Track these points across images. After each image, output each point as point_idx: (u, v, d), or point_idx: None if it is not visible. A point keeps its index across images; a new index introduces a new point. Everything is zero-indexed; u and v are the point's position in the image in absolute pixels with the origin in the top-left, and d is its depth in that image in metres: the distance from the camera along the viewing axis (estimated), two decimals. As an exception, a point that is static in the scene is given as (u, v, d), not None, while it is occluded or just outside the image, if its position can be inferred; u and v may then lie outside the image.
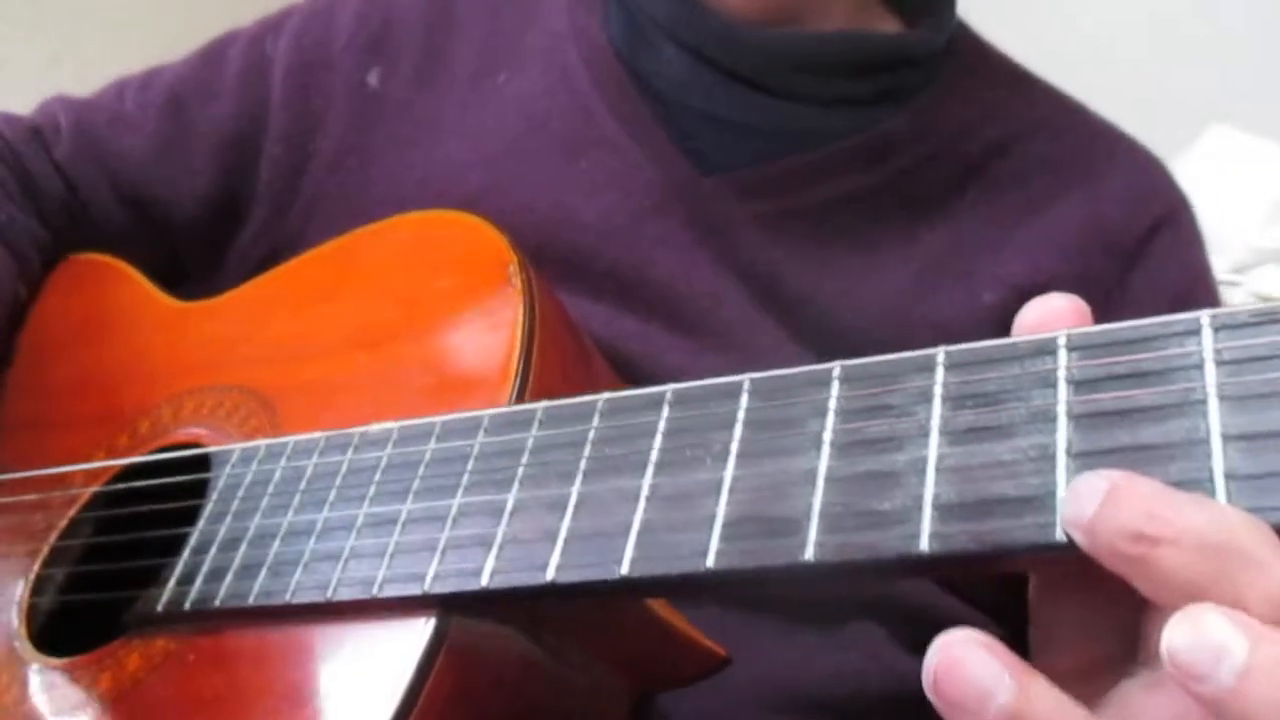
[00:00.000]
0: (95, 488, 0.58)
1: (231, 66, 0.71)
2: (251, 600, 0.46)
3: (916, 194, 0.60)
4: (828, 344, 0.59)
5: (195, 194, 0.71)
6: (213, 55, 0.73)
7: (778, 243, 0.59)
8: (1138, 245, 0.60)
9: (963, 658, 0.27)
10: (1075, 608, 0.33)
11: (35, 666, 0.51)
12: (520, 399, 0.47)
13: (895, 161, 0.61)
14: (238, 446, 0.52)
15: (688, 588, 0.37)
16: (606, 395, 0.42)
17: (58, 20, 1.77)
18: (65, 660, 0.51)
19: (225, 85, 0.71)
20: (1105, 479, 0.28)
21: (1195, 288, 0.63)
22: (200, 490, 0.52)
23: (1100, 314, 0.61)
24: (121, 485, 0.57)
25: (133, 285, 0.70)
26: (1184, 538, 0.26)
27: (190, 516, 0.51)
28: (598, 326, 0.59)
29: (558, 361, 0.50)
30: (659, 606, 0.46)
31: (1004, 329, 0.60)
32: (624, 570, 0.37)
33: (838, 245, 0.60)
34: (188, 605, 0.48)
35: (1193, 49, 1.86)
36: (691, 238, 0.60)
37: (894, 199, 0.60)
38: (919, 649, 0.31)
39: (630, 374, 0.59)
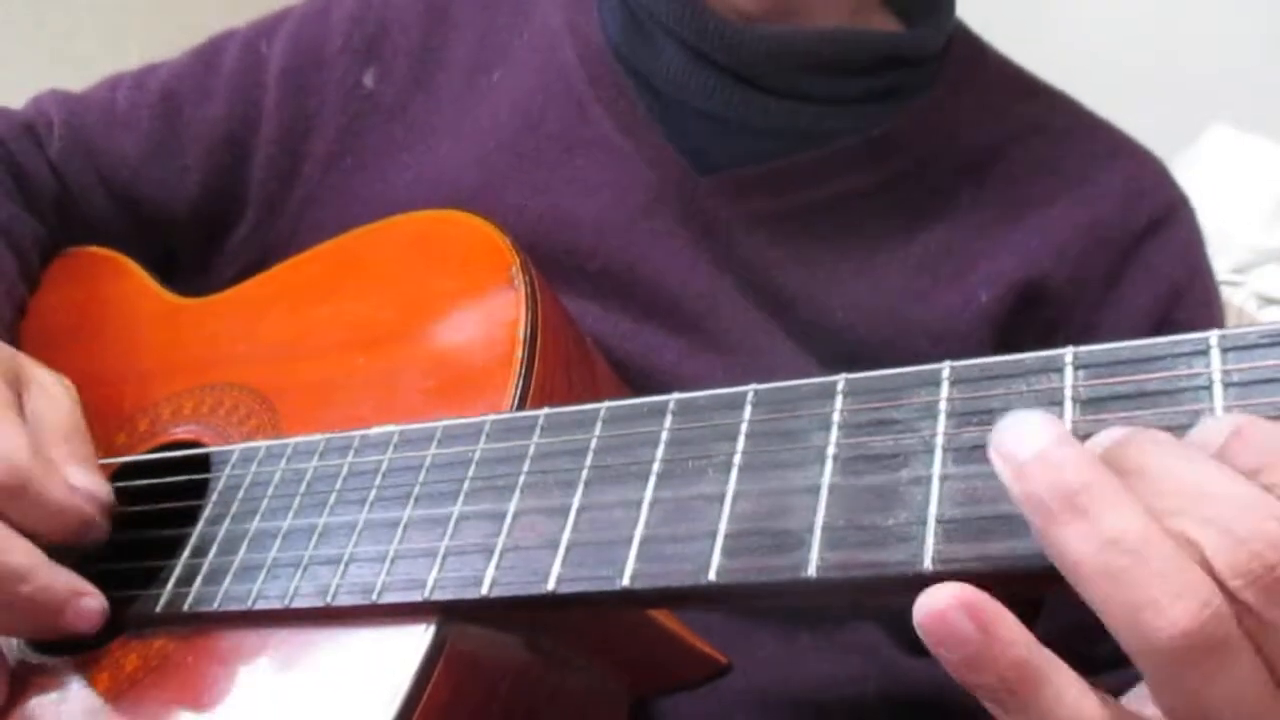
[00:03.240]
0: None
1: (226, 67, 0.71)
2: (250, 604, 0.45)
3: (914, 195, 0.60)
4: (823, 343, 0.59)
5: (187, 193, 0.70)
6: (207, 55, 0.72)
7: (774, 242, 0.59)
8: (1134, 242, 0.60)
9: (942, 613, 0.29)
10: None
11: (32, 665, 0.51)
12: (522, 402, 0.47)
13: (893, 162, 0.60)
14: (238, 447, 0.52)
15: (689, 600, 0.37)
16: (609, 403, 0.42)
17: (58, 20, 1.76)
18: (62, 659, 0.50)
19: (219, 85, 0.70)
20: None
21: (1192, 284, 0.62)
22: (200, 490, 0.52)
23: (1096, 312, 0.61)
24: (121, 484, 0.57)
25: (131, 279, 0.69)
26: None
27: (190, 516, 0.51)
28: (592, 325, 0.59)
29: (560, 364, 0.50)
30: (659, 614, 0.46)
31: (1001, 328, 0.60)
32: (625, 582, 0.37)
33: (834, 245, 0.59)
34: (186, 607, 0.47)
35: (1193, 49, 1.86)
36: (687, 237, 0.60)
37: (892, 199, 0.60)
38: (917, 651, 0.31)
39: (625, 373, 0.58)
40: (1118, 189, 0.61)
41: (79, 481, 0.49)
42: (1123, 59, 1.82)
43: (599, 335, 0.59)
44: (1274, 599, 0.26)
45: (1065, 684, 0.29)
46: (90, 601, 0.48)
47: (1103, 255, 0.60)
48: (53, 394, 0.52)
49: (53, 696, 0.49)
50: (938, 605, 0.29)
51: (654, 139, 0.62)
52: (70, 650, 0.50)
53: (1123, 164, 0.63)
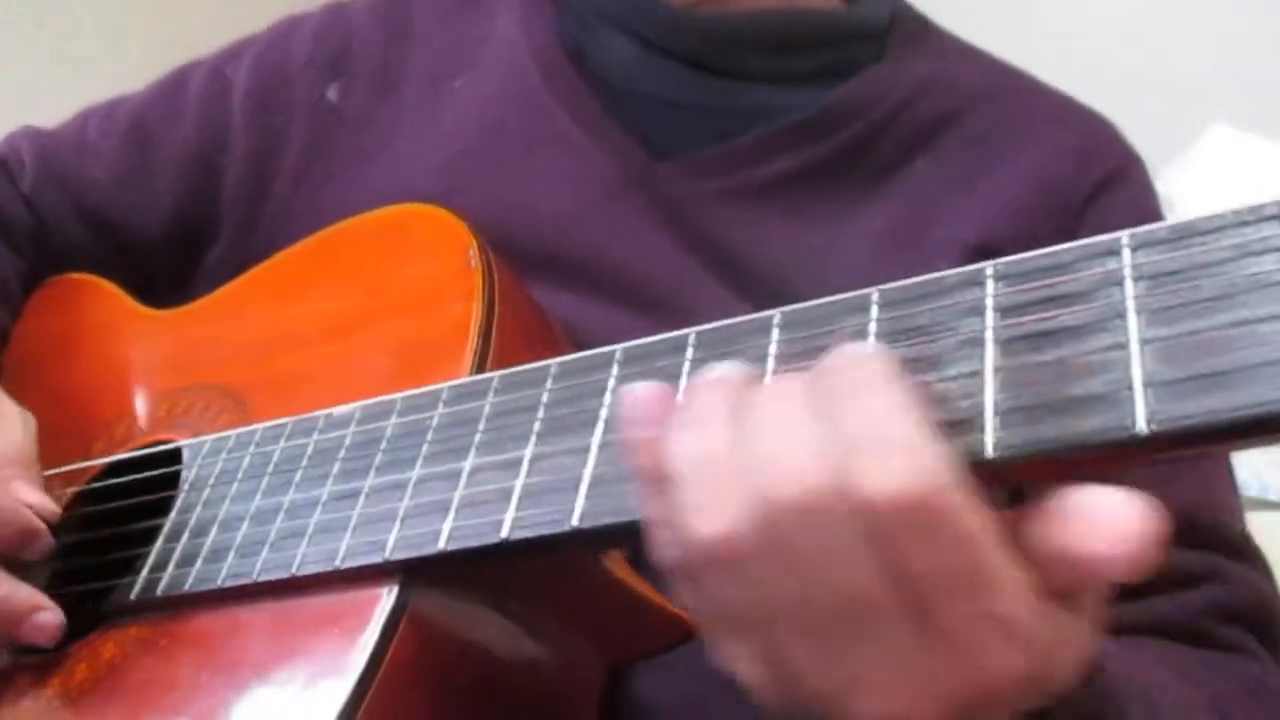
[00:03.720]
0: (76, 487, 0.58)
1: (193, 92, 0.73)
2: (220, 581, 0.46)
3: (868, 164, 0.61)
4: None
5: (161, 216, 0.72)
6: (174, 83, 0.74)
7: (736, 220, 0.60)
8: (1084, 203, 0.61)
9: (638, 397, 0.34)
10: None
11: (12, 662, 0.52)
12: (481, 371, 0.47)
13: (845, 133, 0.62)
14: (209, 438, 0.53)
15: (641, 535, 0.38)
16: (559, 359, 0.43)
17: (58, 20, 1.78)
18: (40, 656, 0.51)
19: (187, 109, 0.72)
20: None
21: None
22: (175, 484, 0.53)
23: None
24: (99, 484, 0.58)
25: (111, 299, 0.71)
26: None
27: (165, 508, 0.52)
28: (566, 314, 0.59)
29: (521, 339, 0.51)
30: (625, 573, 0.47)
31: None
32: (575, 521, 0.38)
33: (794, 219, 0.60)
34: (160, 591, 0.48)
35: (1193, 49, 1.86)
36: (651, 222, 0.61)
37: (847, 170, 0.61)
38: None
39: None
40: (1068, 150, 0.62)
41: (24, 495, 0.51)
42: (1121, 58, 1.83)
43: (573, 323, 0.60)
44: (787, 528, 0.30)
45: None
46: (47, 615, 0.50)
47: (1054, 215, 0.60)
48: (7, 426, 0.55)
49: (31, 691, 0.50)
50: (646, 391, 0.34)
51: (610, 130, 0.63)
52: (52, 647, 0.51)
53: (1072, 126, 0.64)
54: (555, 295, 0.61)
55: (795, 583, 0.31)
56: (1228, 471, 0.61)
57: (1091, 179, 0.61)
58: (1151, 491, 0.61)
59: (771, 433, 0.31)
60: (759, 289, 0.60)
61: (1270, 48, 1.80)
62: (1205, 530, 0.57)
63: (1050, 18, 1.93)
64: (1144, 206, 0.63)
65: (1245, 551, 0.58)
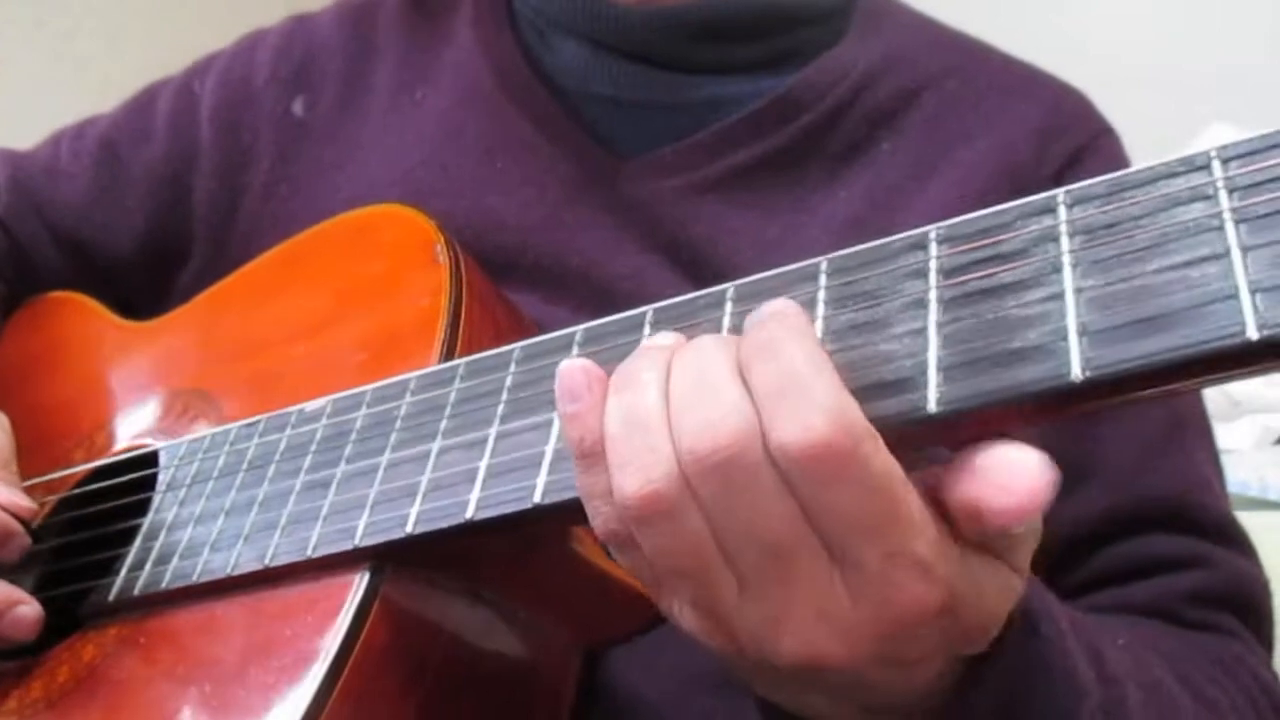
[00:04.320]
0: (58, 495, 0.59)
1: (161, 110, 0.73)
2: (196, 577, 0.47)
3: (830, 149, 0.61)
4: None
5: (133, 235, 0.72)
6: (143, 102, 0.75)
7: (699, 215, 0.61)
8: (1053, 179, 0.59)
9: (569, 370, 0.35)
10: None
11: (-5, 668, 0.52)
12: (448, 359, 0.48)
13: (802, 120, 0.61)
14: (185, 439, 0.54)
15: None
16: (522, 344, 0.43)
17: (58, 20, 1.79)
18: (22, 660, 0.51)
19: (156, 128, 0.73)
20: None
21: None
22: (153, 486, 0.53)
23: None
24: (79, 490, 0.58)
25: (91, 315, 0.71)
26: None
27: (144, 510, 0.53)
28: (532, 316, 0.60)
29: (488, 329, 0.52)
30: (594, 554, 0.47)
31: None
32: (537, 498, 0.38)
33: (757, 210, 0.61)
34: (137, 590, 0.49)
35: (1193, 49, 1.86)
36: (612, 222, 0.62)
37: (808, 157, 0.61)
38: None
39: None
40: (1035, 125, 0.61)
41: (1, 497, 0.52)
42: (1121, 57, 1.82)
43: (541, 325, 0.60)
44: (705, 481, 0.32)
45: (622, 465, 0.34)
46: (25, 609, 0.50)
47: (1019, 196, 0.60)
48: None
49: (13, 695, 0.50)
50: (576, 364, 0.35)
51: (568, 133, 0.64)
52: (33, 650, 0.51)
53: (1038, 102, 0.63)
54: (522, 298, 0.61)
55: (719, 529, 0.33)
56: (1212, 456, 0.61)
57: (1058, 156, 0.60)
58: (1135, 478, 0.61)
59: (693, 389, 0.33)
60: (722, 282, 0.61)
61: (1270, 48, 1.80)
62: (1189, 515, 0.57)
63: (1050, 17, 1.93)
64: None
65: (1229, 535, 0.58)
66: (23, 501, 0.52)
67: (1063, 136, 0.61)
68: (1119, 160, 0.63)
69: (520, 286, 0.62)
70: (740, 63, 0.63)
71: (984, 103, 0.62)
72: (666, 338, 0.36)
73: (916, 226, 0.60)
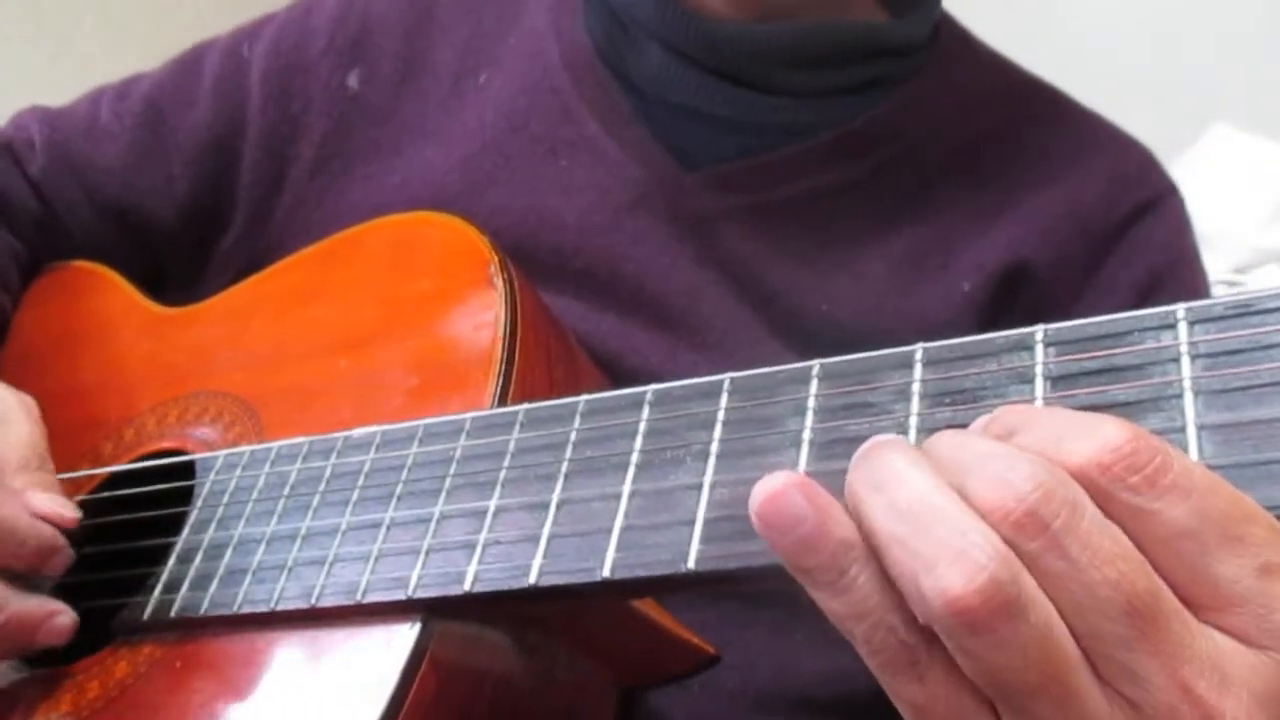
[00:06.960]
0: (81, 496, 0.58)
1: (208, 73, 0.71)
2: (236, 608, 0.46)
3: (898, 186, 0.60)
4: (806, 338, 0.59)
5: (175, 202, 0.70)
6: (189, 63, 0.72)
7: (757, 236, 0.59)
8: (1117, 229, 0.60)
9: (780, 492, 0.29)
10: None
11: (22, 676, 0.51)
12: (503, 399, 0.47)
13: (876, 154, 0.60)
14: (222, 453, 0.52)
15: (671, 588, 0.38)
16: (586, 397, 0.42)
17: (58, 20, 1.76)
18: (52, 669, 0.50)
19: (202, 92, 0.70)
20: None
21: (1175, 272, 0.62)
22: (186, 497, 0.52)
23: (1077, 298, 0.61)
24: (107, 493, 0.57)
25: (114, 291, 0.69)
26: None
27: (177, 523, 0.51)
28: (576, 324, 0.59)
29: (542, 361, 0.50)
30: (645, 604, 0.46)
31: (983, 316, 0.60)
32: (606, 573, 0.37)
33: (817, 238, 0.59)
34: (173, 613, 0.48)
35: (1193, 49, 1.85)
36: (671, 233, 0.60)
37: (875, 191, 0.60)
38: None
39: (609, 370, 0.58)
40: (1103, 177, 0.61)
41: (42, 507, 0.49)
42: (1122, 58, 1.82)
43: (583, 334, 0.59)
44: (1030, 536, 0.27)
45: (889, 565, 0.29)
46: (62, 619, 0.49)
47: (1084, 241, 0.60)
48: (11, 420, 0.52)
49: (43, 705, 0.49)
50: (775, 486, 0.29)
51: (639, 138, 0.62)
52: (64, 659, 0.50)
53: (1109, 153, 0.63)
54: (568, 303, 0.60)
55: (1063, 602, 0.27)
56: None
57: (1124, 209, 0.60)
58: None
59: (958, 459, 0.28)
60: (774, 307, 0.59)
61: (1271, 48, 1.79)
62: None
63: (1053, 18, 1.92)
64: (1178, 241, 0.62)
65: None
66: (67, 512, 0.49)
67: (1132, 187, 0.61)
68: (1184, 223, 0.63)
69: (566, 290, 0.60)
70: (821, 89, 0.61)
71: (1054, 149, 0.62)
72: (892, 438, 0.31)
73: (977, 264, 0.60)
